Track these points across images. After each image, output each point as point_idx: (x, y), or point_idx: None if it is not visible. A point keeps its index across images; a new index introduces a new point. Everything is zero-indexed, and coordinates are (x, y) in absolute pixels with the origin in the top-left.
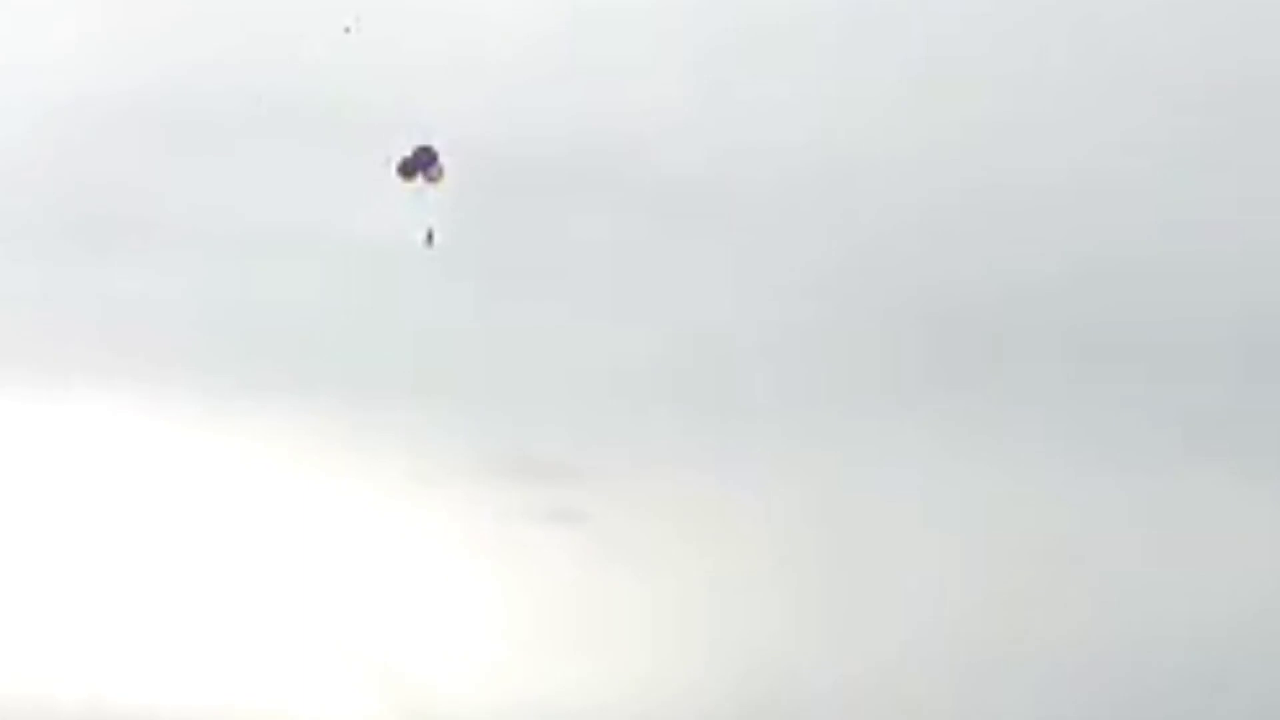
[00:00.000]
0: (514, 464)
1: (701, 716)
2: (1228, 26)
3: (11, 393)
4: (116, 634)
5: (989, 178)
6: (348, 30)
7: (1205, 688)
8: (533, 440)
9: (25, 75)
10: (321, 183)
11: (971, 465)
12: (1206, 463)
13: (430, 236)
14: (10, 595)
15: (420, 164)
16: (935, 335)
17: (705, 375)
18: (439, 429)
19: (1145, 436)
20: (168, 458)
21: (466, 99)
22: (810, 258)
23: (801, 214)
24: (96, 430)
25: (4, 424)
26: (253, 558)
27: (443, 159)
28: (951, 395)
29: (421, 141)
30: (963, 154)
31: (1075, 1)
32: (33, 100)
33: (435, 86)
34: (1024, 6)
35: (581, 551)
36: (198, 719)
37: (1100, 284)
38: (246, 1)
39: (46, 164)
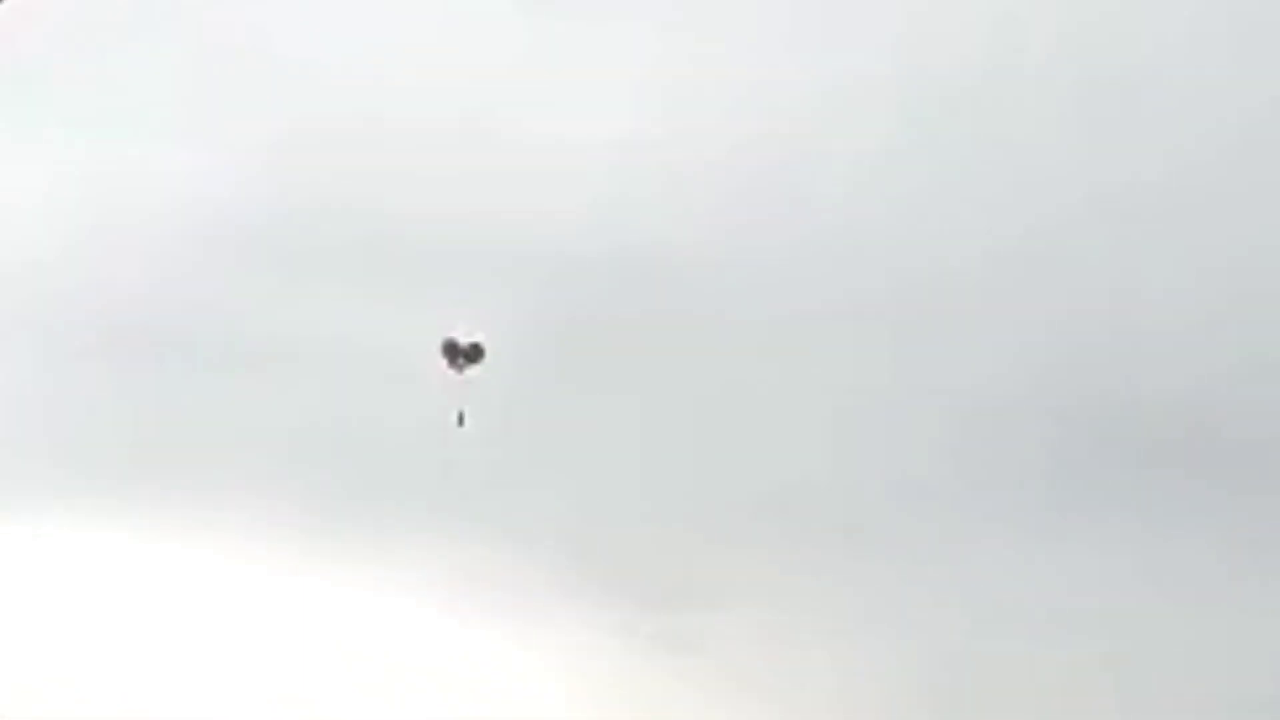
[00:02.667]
0: (631, 592)
1: None
2: None
3: (89, 508)
4: None
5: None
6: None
7: None
8: (649, 568)
9: (112, 189)
10: (407, 308)
11: (1117, 589)
12: None
13: (461, 419)
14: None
15: (462, 354)
16: (1071, 460)
17: (821, 500)
18: (547, 557)
19: None
20: (257, 581)
21: (552, 222)
22: (918, 376)
23: (921, 327)
24: (174, 551)
25: (83, 541)
26: (350, 688)
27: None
28: (1091, 518)
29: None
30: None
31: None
32: (118, 214)
33: (521, 214)
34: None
35: (698, 682)
36: None
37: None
38: (336, 130)
39: (128, 279)
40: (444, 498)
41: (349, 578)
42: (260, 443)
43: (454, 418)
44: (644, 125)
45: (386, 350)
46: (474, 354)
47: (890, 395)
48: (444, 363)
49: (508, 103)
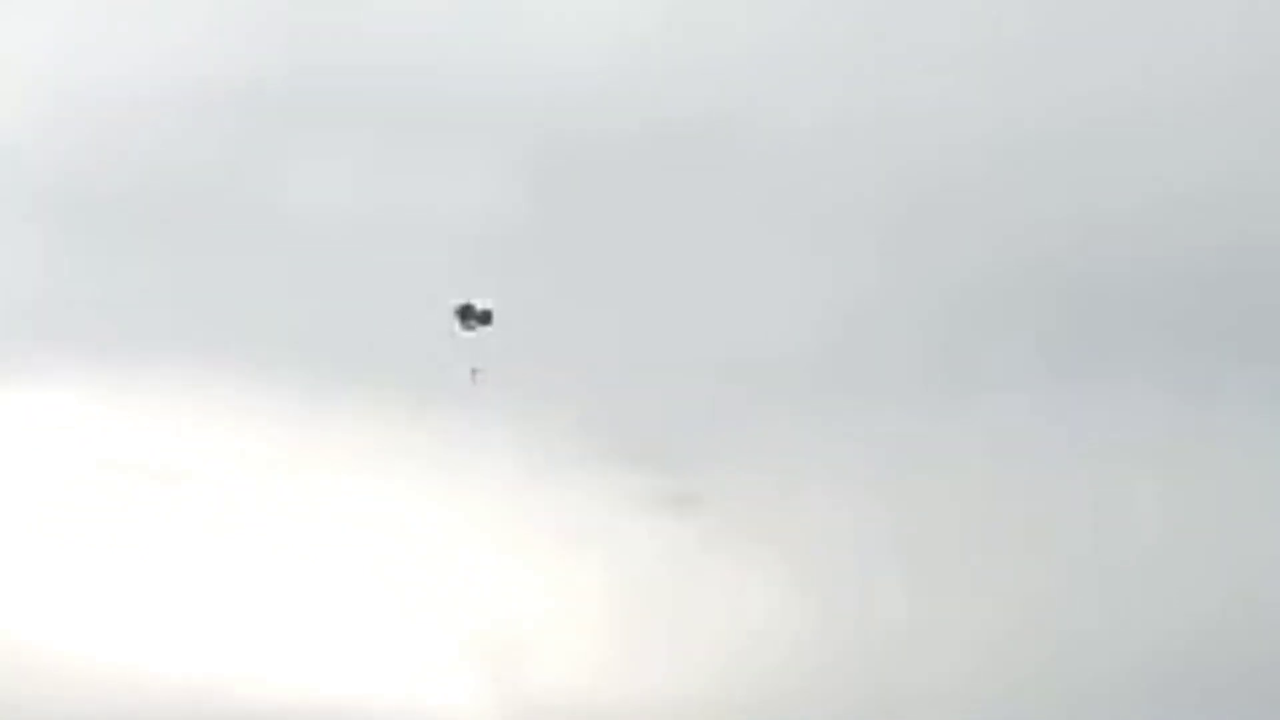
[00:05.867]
0: (629, 452)
1: (809, 707)
2: None
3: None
4: (243, 624)
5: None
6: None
7: None
8: (648, 429)
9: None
10: (421, 170)
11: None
12: None
13: (474, 374)
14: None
15: (472, 316)
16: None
17: (823, 364)
18: (553, 419)
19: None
20: (273, 447)
21: (570, 86)
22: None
23: (926, 211)
24: (192, 415)
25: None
26: (370, 549)
27: None
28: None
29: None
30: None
31: None
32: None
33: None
34: None
35: (693, 539)
36: (323, 701)
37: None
38: None
39: (148, 148)
40: (449, 372)
41: (353, 450)
42: (257, 313)
43: (467, 371)
44: None
45: (390, 219)
46: (485, 318)
47: (892, 271)
48: (457, 324)
49: None
